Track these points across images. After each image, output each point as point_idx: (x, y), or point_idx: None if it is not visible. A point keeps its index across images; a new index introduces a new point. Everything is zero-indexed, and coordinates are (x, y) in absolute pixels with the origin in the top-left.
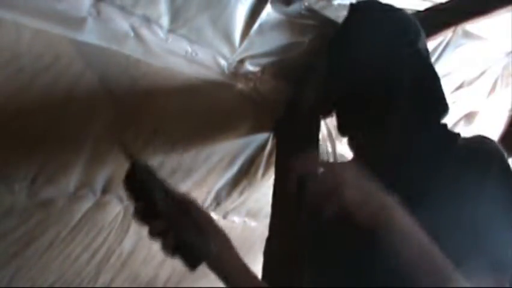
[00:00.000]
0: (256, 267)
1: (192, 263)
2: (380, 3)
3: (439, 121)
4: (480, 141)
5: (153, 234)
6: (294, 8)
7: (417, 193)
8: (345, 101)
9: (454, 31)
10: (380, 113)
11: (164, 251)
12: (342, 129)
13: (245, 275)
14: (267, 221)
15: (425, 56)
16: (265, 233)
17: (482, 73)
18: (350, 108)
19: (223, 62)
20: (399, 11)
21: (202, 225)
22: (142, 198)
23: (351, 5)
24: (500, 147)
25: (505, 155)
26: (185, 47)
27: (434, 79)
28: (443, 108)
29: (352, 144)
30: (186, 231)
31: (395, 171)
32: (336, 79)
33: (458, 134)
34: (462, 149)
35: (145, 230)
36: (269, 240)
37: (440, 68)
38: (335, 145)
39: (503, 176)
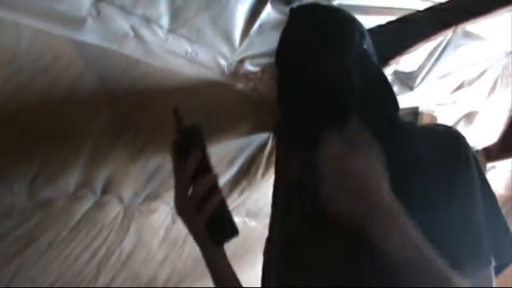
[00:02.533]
0: (256, 267)
1: (221, 237)
2: (322, 5)
3: (394, 119)
4: (440, 131)
5: (199, 190)
6: None
7: (401, 195)
8: (296, 109)
9: (454, 31)
10: (333, 119)
11: (195, 215)
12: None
13: (234, 282)
14: (267, 221)
15: (371, 56)
16: (265, 233)
17: (482, 73)
18: (301, 117)
19: (223, 62)
20: (342, 11)
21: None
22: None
23: (291, 9)
24: (460, 133)
25: (465, 139)
26: (185, 47)
27: (383, 79)
28: (395, 107)
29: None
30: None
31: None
32: (286, 88)
33: (414, 125)
34: (426, 144)
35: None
36: (269, 240)
37: (440, 68)
38: None
39: (472, 161)
